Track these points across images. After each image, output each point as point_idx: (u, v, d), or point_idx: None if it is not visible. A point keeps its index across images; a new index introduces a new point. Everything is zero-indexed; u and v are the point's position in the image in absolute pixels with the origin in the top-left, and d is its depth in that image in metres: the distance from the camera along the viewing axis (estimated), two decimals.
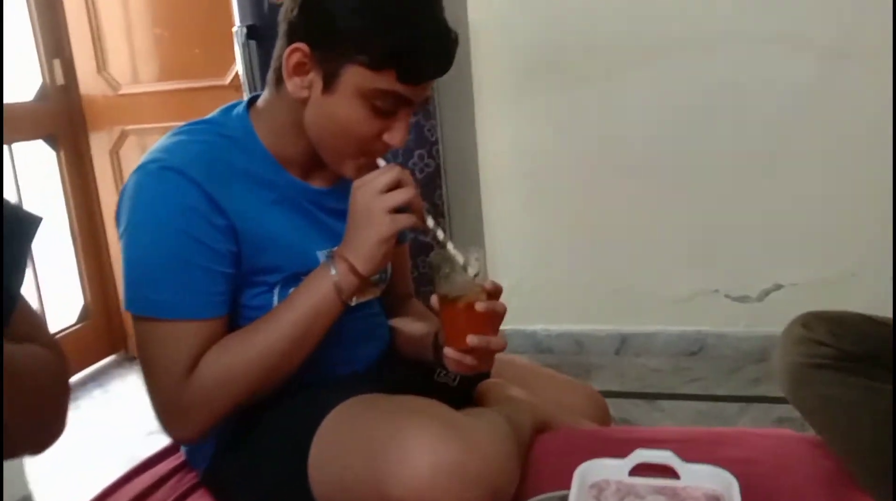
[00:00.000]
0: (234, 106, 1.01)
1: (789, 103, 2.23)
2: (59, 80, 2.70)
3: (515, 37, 2.37)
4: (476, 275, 0.92)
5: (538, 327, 2.52)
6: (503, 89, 2.43)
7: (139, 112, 2.68)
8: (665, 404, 2.15)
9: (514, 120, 2.45)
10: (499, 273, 2.31)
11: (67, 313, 2.78)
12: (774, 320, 2.35)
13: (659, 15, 2.27)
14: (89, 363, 2.79)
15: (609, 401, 1.29)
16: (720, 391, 2.21)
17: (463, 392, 1.12)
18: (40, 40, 2.65)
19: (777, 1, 2.18)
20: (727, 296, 2.41)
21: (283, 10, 0.95)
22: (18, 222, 0.59)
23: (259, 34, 1.98)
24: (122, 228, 0.92)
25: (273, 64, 0.97)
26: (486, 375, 1.15)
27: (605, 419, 1.22)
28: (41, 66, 2.67)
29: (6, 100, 2.53)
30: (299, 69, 0.92)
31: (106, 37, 2.67)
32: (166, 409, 0.92)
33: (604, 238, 2.46)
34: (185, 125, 0.99)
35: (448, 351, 0.94)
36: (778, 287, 2.36)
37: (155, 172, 0.90)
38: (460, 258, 0.91)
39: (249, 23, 1.99)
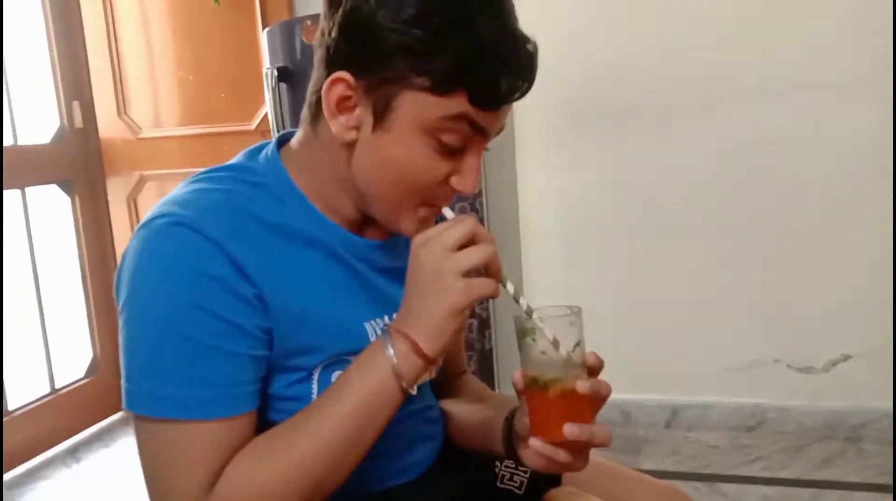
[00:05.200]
0: (261, 147, 0.82)
1: (853, 156, 2.06)
2: (78, 123, 2.60)
3: (561, 83, 2.23)
4: (577, 346, 0.71)
5: None
6: (547, 138, 2.28)
7: (160, 157, 2.58)
8: (727, 487, 1.93)
9: (558, 171, 2.30)
10: None
11: (75, 366, 2.63)
12: (842, 393, 2.19)
13: (713, 62, 2.13)
14: (96, 420, 2.63)
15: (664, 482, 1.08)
16: (786, 473, 1.99)
17: None
18: (60, 81, 2.56)
19: (838, 48, 2.03)
20: (790, 366, 2.20)
21: (318, 34, 0.76)
22: None
23: (290, 76, 1.85)
24: (121, 301, 0.72)
25: (309, 98, 0.78)
26: (558, 480, 0.96)
27: None
28: (59, 107, 2.58)
29: (21, 142, 2.43)
30: (343, 105, 0.73)
31: (128, 79, 2.60)
32: None
33: (653, 299, 2.27)
34: (203, 172, 0.79)
35: (535, 444, 0.72)
36: (846, 358, 2.16)
37: (162, 230, 0.71)
38: (549, 333, 0.71)
39: (280, 64, 1.87)
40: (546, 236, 2.33)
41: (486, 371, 1.90)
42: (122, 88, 2.60)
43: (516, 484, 0.95)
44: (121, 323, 0.72)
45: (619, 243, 2.28)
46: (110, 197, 2.67)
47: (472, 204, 1.81)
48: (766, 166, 2.13)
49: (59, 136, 2.58)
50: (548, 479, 0.95)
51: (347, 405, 0.71)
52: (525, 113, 2.25)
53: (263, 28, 2.18)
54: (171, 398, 0.69)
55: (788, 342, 2.19)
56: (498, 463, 0.95)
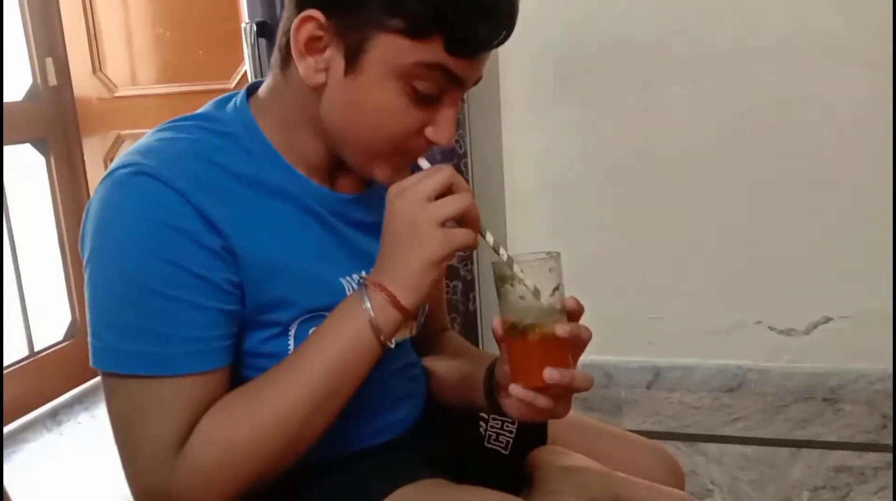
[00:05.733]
0: (229, 98, 0.79)
1: (838, 122, 2.06)
2: (52, 80, 2.53)
3: (546, 44, 2.19)
4: (556, 290, 0.70)
5: None
6: (532, 99, 2.25)
7: (136, 116, 2.51)
8: (707, 447, 1.95)
9: (543, 132, 2.27)
10: None
11: (54, 329, 2.60)
12: (823, 355, 2.22)
13: (700, 25, 2.09)
14: (75, 383, 2.60)
15: None
16: (766, 433, 2.02)
17: (514, 461, 0.92)
18: (32, 37, 2.48)
19: (827, 13, 2.01)
20: (771, 328, 2.22)
21: None
22: None
23: (270, 31, 1.80)
24: (85, 255, 0.70)
25: (279, 40, 0.75)
26: (544, 439, 0.95)
27: (680, 483, 1.02)
28: (32, 64, 2.50)
29: None
30: (313, 45, 0.70)
31: (103, 35, 2.52)
32: (149, 497, 0.69)
33: (636, 262, 2.27)
34: (168, 122, 0.76)
35: (516, 390, 0.71)
36: (826, 320, 2.18)
37: (125, 180, 0.68)
38: (529, 283, 0.69)
39: (259, 19, 1.82)
40: (531, 198, 2.31)
41: (471, 334, 1.89)
42: (97, 45, 2.52)
43: (502, 445, 0.95)
44: (86, 278, 0.69)
45: (602, 205, 2.27)
46: (86, 157, 2.61)
47: (456, 165, 1.79)
48: (748, 130, 2.12)
49: (33, 93, 2.51)
50: (533, 438, 0.95)
51: (323, 359, 0.69)
52: (510, 73, 2.20)
53: None
54: (138, 354, 0.67)
55: (770, 304, 2.21)
56: (482, 423, 0.95)
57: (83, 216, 0.71)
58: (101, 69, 2.54)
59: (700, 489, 1.77)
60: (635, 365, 2.32)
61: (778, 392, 2.21)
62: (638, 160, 2.22)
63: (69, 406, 2.50)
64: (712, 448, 1.95)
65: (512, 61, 2.19)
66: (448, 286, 1.83)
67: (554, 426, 0.97)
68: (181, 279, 0.67)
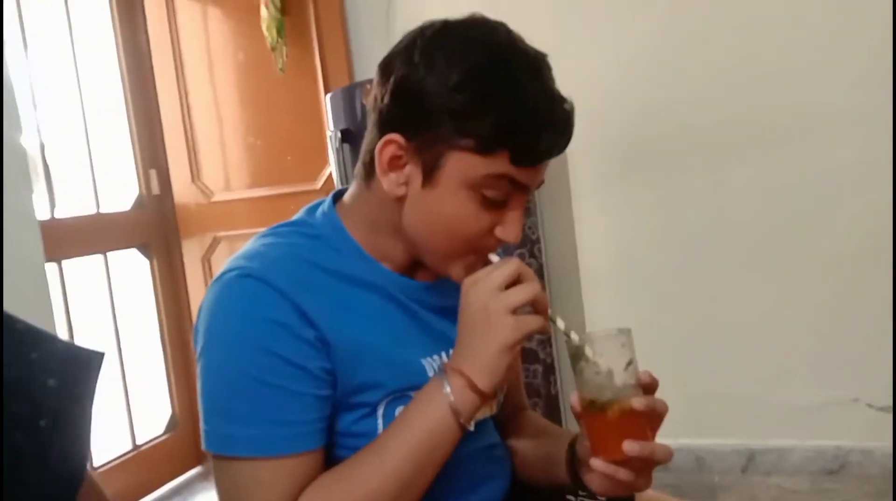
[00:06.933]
0: (318, 204, 0.88)
1: None
2: (155, 190, 2.74)
3: (611, 128, 2.26)
4: (629, 364, 0.74)
5: None
6: (600, 183, 2.30)
7: (231, 219, 2.68)
8: None
9: (613, 212, 2.31)
10: None
11: (155, 423, 2.72)
12: None
13: (765, 99, 2.12)
14: (175, 475, 2.70)
15: None
16: None
17: None
18: (138, 152, 2.71)
19: (888, 77, 1.99)
20: (869, 406, 2.12)
21: (370, 99, 0.83)
22: (76, 362, 0.47)
23: (353, 137, 1.94)
24: (198, 350, 0.79)
25: (362, 158, 0.85)
26: None
27: None
28: (138, 176, 2.72)
29: (105, 210, 2.58)
30: (395, 163, 0.79)
31: (200, 147, 2.72)
32: None
33: (720, 341, 2.23)
34: (268, 229, 0.86)
35: (596, 464, 0.74)
36: None
37: (232, 282, 0.78)
38: (603, 365, 0.74)
39: (343, 126, 1.96)
40: (605, 280, 2.33)
41: (554, 416, 1.90)
42: (194, 156, 2.72)
43: None
44: (198, 371, 0.78)
45: (679, 284, 2.26)
46: (185, 258, 2.78)
47: (530, 250, 1.84)
48: (823, 201, 2.10)
49: (138, 202, 2.73)
50: None
51: (408, 441, 0.75)
52: (578, 159, 2.28)
53: (326, 93, 2.29)
54: (243, 438, 0.75)
55: (865, 379, 2.12)
56: (570, 497, 0.97)
57: (196, 315, 0.81)
58: (198, 177, 2.73)
59: None
60: (728, 448, 2.25)
61: (882, 474, 2.09)
62: (708, 237, 2.22)
63: (168, 498, 2.58)
64: None
65: (579, 149, 2.25)
66: (528, 370, 1.85)
67: None
68: (281, 368, 0.75)
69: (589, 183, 2.32)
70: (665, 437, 2.39)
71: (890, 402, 2.10)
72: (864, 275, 2.09)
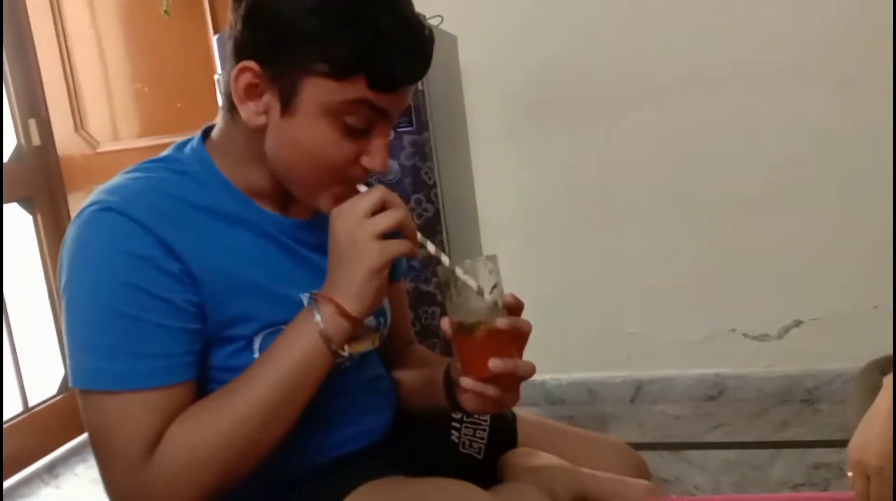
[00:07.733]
0: (188, 141, 0.88)
1: (803, 137, 2.14)
2: (35, 140, 2.60)
3: (510, 77, 2.29)
4: (495, 288, 0.78)
5: (547, 376, 2.37)
6: (499, 130, 2.34)
7: (120, 170, 2.55)
8: (691, 454, 2.00)
9: (512, 161, 2.36)
10: None
11: (47, 384, 2.63)
12: (797, 358, 2.28)
13: (662, 51, 2.20)
14: (71, 436, 2.62)
15: None
16: (747, 437, 2.08)
17: (488, 465, 0.98)
18: (15, 101, 2.55)
19: (786, 34, 2.11)
20: (745, 335, 2.29)
21: (227, 29, 0.81)
22: None
23: None
24: (61, 285, 0.77)
25: (223, 89, 0.83)
26: (513, 442, 1.01)
27: (645, 477, 1.08)
28: (16, 127, 2.57)
29: None
30: (251, 92, 0.78)
31: (83, 94, 2.59)
32: (124, 500, 0.75)
33: (612, 281, 2.34)
34: (136, 165, 0.85)
35: (466, 382, 0.78)
36: (798, 323, 2.25)
37: (93, 216, 0.76)
38: (472, 283, 0.77)
39: None
40: (504, 228, 2.39)
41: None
42: (77, 104, 2.59)
43: (475, 450, 1.01)
44: (62, 306, 0.77)
45: (576, 228, 2.35)
46: (72, 212, 2.66)
47: (427, 196, 1.86)
48: (715, 150, 2.21)
49: (18, 154, 2.58)
50: (504, 442, 1.01)
51: (277, 368, 0.76)
52: (478, 107, 2.30)
53: (215, 34, 2.21)
54: (108, 372, 0.74)
55: (742, 312, 2.28)
56: (455, 431, 1.01)
57: (59, 251, 0.79)
58: (82, 127, 2.61)
59: (684, 494, 1.82)
60: (618, 381, 2.38)
61: (757, 397, 2.27)
62: (608, 183, 2.31)
63: (65, 460, 2.52)
64: (696, 454, 2.00)
65: (479, 97, 2.28)
66: (427, 312, 1.89)
67: (524, 430, 1.04)
68: (144, 302, 0.74)
69: (488, 132, 2.35)
70: (561, 372, 2.52)
71: (763, 332, 2.27)
72: (749, 221, 2.22)
